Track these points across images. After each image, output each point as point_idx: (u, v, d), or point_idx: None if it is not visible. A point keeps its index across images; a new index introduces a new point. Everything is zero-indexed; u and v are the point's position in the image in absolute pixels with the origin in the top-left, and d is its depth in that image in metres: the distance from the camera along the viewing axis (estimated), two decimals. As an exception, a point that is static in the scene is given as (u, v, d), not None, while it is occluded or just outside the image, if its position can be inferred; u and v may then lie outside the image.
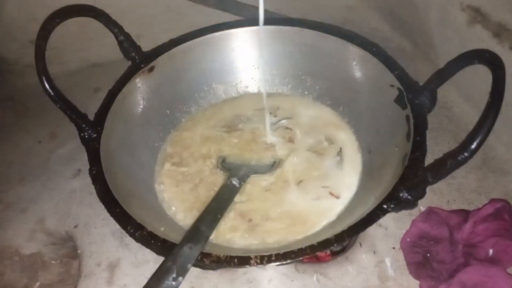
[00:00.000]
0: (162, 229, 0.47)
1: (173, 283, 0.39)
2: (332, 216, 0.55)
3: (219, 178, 0.60)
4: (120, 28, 0.61)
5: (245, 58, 0.71)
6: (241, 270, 0.55)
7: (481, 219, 0.53)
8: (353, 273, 0.53)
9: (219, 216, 0.50)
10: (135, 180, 0.58)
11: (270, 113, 0.67)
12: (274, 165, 0.61)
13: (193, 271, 0.54)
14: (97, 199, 0.49)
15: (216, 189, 0.58)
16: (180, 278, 0.39)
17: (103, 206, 0.48)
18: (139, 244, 0.44)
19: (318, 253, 0.49)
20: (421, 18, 0.77)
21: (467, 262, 0.51)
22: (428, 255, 0.53)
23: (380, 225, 0.57)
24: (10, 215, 0.66)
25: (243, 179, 0.57)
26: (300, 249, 0.42)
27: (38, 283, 0.59)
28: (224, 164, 0.61)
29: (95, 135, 0.55)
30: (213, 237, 0.54)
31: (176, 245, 0.43)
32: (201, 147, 0.65)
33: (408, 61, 0.80)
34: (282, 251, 0.42)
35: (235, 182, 0.56)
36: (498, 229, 0.52)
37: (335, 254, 0.55)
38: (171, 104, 0.68)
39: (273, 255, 0.42)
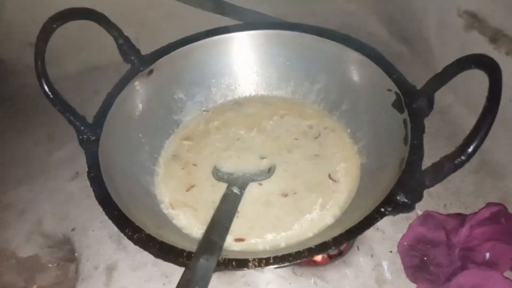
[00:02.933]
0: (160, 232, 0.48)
1: None
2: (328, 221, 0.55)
3: (217, 182, 0.60)
4: (120, 31, 0.61)
5: (244, 62, 0.71)
6: (239, 273, 0.55)
7: (477, 223, 0.53)
8: (351, 276, 0.54)
9: (227, 225, 0.50)
10: (133, 183, 0.58)
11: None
12: (270, 171, 0.61)
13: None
14: (95, 201, 0.49)
15: (215, 192, 0.58)
16: None
17: (100, 209, 0.48)
18: (137, 247, 0.44)
19: (316, 256, 0.49)
20: (418, 23, 0.78)
21: (464, 266, 0.51)
22: (425, 258, 0.53)
23: (377, 228, 0.58)
24: (8, 217, 0.66)
25: (243, 187, 0.57)
26: (298, 252, 0.42)
27: (35, 286, 0.59)
28: (220, 174, 0.61)
29: (93, 138, 0.55)
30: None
31: (191, 255, 0.43)
32: (200, 150, 0.65)
33: (406, 65, 0.80)
34: (280, 254, 0.42)
35: (235, 190, 0.56)
36: (494, 233, 0.52)
37: (332, 257, 0.55)
38: (170, 108, 0.68)
39: (271, 258, 0.42)
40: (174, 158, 0.64)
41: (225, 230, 0.49)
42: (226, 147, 0.65)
